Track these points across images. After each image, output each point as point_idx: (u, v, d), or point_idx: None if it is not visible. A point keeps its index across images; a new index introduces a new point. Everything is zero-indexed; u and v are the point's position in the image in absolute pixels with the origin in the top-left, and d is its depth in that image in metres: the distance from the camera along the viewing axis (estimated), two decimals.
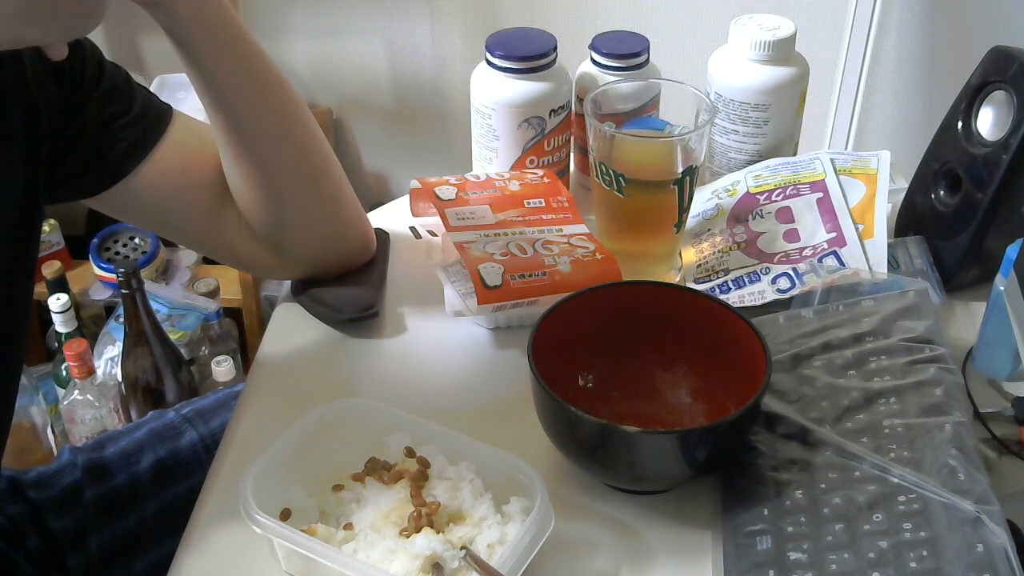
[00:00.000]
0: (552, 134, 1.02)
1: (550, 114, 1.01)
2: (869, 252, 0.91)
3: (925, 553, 0.66)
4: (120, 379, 1.58)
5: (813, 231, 0.94)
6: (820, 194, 0.95)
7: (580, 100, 1.04)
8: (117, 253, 1.85)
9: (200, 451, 1.00)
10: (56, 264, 1.68)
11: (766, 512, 0.72)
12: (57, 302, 1.59)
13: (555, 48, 1.01)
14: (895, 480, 0.71)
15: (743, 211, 0.97)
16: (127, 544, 0.97)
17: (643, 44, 1.03)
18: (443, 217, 0.93)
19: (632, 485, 0.77)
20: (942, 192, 0.95)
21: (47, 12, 0.64)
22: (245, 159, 0.85)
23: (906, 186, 1.00)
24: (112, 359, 1.67)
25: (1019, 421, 0.82)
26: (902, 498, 0.70)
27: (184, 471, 0.99)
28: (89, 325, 1.83)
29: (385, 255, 1.00)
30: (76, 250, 1.88)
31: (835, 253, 0.92)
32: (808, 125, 1.09)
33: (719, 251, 0.95)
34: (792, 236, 0.94)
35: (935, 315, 0.84)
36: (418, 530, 0.69)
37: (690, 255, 0.97)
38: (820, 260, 0.91)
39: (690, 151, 0.91)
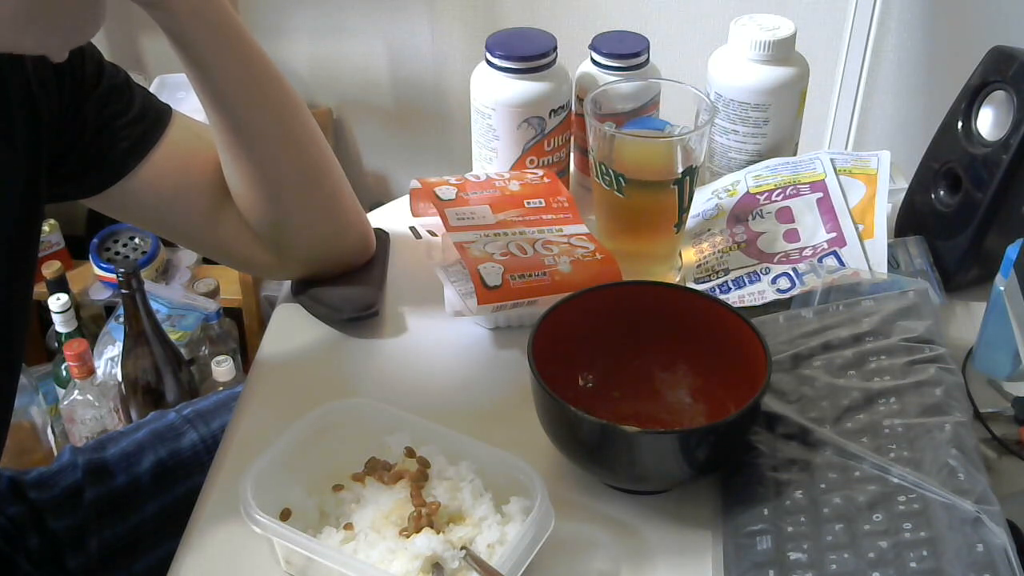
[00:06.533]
0: (552, 134, 1.02)
1: (550, 114, 1.01)
2: (869, 252, 0.91)
3: (925, 553, 0.66)
4: (120, 379, 1.58)
5: (813, 231, 0.94)
6: (820, 194, 0.95)
7: (580, 100, 1.04)
8: (117, 253, 1.85)
9: (201, 452, 1.00)
10: (56, 264, 1.67)
11: (766, 512, 0.72)
12: (57, 302, 1.59)
13: (555, 48, 1.01)
14: (895, 480, 0.71)
15: (743, 211, 0.97)
16: (127, 545, 0.97)
17: (643, 44, 1.03)
18: (443, 217, 0.93)
19: (632, 485, 0.77)
20: (942, 192, 0.95)
21: (44, 21, 0.64)
22: (244, 159, 0.85)
23: (906, 186, 1.00)
24: (112, 359, 1.67)
25: (1019, 421, 0.82)
26: (902, 498, 0.70)
27: (185, 472, 0.99)
28: (89, 325, 1.83)
29: (385, 255, 1.00)
30: (76, 250, 1.88)
31: (835, 253, 0.92)
32: (808, 125, 1.09)
33: (719, 251, 0.95)
34: (792, 236, 0.94)
35: (935, 315, 0.84)
36: (418, 530, 0.69)
37: (690, 255, 0.97)
38: (820, 260, 0.91)
39: (690, 151, 0.91)
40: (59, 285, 1.65)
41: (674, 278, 0.96)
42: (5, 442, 0.85)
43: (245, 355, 1.85)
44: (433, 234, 0.98)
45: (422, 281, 0.96)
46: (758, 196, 0.97)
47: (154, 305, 1.56)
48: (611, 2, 1.84)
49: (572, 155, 1.09)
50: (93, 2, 0.65)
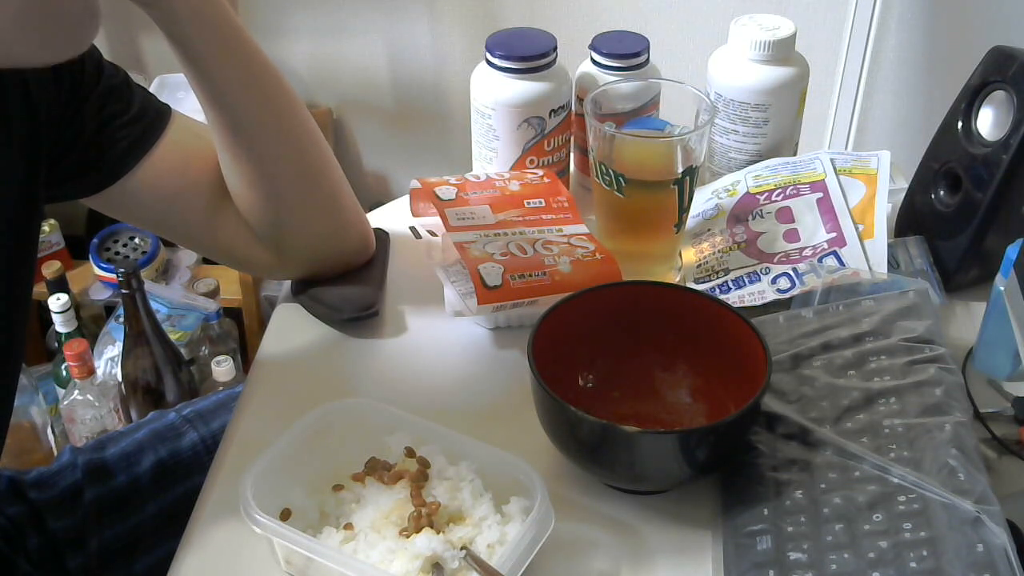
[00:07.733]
0: (552, 134, 1.02)
1: (550, 114, 1.01)
2: (869, 252, 0.91)
3: (925, 553, 0.66)
4: (120, 379, 1.58)
5: (813, 231, 0.94)
6: (820, 194, 0.95)
7: (580, 100, 1.04)
8: (117, 253, 1.85)
9: (201, 452, 1.00)
10: (56, 264, 1.68)
11: (766, 512, 0.72)
12: (57, 302, 1.59)
13: (555, 48, 1.01)
14: (895, 480, 0.71)
15: (743, 211, 0.97)
16: (127, 545, 0.97)
17: (643, 44, 1.03)
18: (443, 217, 0.93)
19: (632, 485, 0.77)
20: (942, 192, 0.95)
21: (37, 31, 0.64)
22: (243, 158, 0.85)
23: (906, 186, 1.00)
24: (112, 359, 1.67)
25: (1019, 421, 0.82)
26: (902, 498, 0.70)
27: (185, 472, 0.99)
28: (89, 325, 1.83)
29: (385, 255, 1.00)
30: (76, 250, 1.88)
31: (835, 253, 0.92)
32: (808, 125, 1.09)
33: (719, 251, 0.95)
34: (792, 236, 0.94)
35: (935, 315, 0.84)
36: (418, 530, 0.69)
37: (690, 255, 0.97)
38: (820, 260, 0.91)
39: (690, 151, 0.91)
40: (59, 285, 1.65)
41: (674, 278, 0.96)
42: (4, 441, 0.85)
43: (245, 355, 1.85)
44: (433, 234, 0.98)
45: (422, 281, 0.96)
46: (758, 196, 0.97)
47: (154, 305, 1.56)
48: (611, 2, 1.84)
49: (572, 155, 1.09)
50: (89, 14, 0.65)
